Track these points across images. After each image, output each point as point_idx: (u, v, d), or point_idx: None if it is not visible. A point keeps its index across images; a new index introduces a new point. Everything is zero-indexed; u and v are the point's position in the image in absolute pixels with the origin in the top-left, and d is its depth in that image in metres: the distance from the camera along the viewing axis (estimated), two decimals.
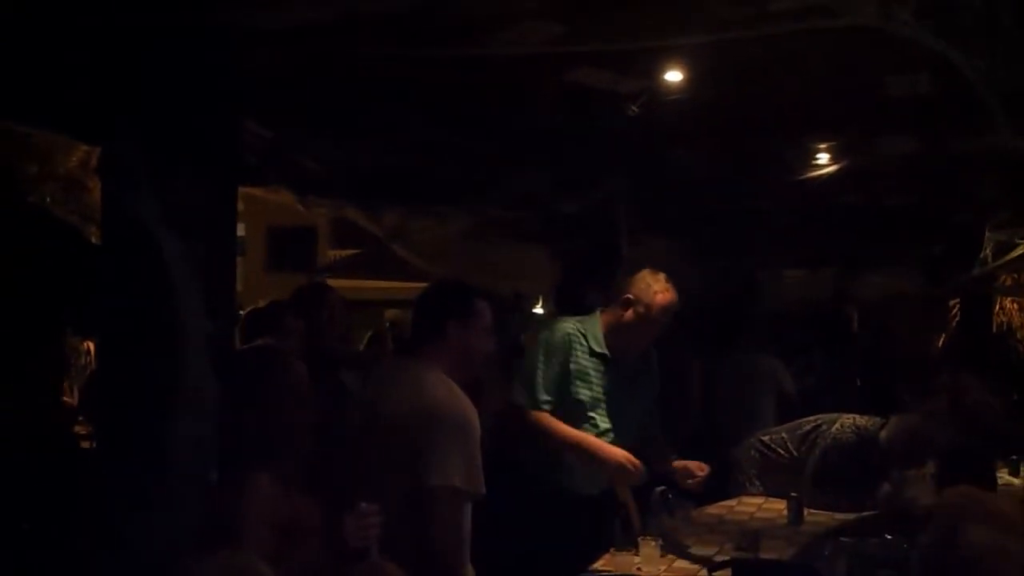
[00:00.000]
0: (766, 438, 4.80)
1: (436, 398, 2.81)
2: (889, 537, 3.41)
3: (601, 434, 3.75)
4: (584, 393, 3.74)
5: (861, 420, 4.52)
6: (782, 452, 4.68)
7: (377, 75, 3.73)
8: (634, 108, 4.05)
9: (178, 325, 2.61)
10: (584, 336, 3.77)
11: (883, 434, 4.36)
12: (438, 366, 2.90)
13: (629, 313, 3.75)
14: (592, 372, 3.76)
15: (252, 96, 3.39)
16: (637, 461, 3.54)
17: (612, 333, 3.79)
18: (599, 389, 3.76)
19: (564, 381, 3.71)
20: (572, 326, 3.80)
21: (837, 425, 4.48)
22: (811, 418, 4.70)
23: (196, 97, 2.79)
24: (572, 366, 3.73)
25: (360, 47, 3.39)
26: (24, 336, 3.17)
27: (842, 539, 3.47)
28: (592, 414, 3.75)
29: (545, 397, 3.68)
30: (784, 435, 4.73)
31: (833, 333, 7.83)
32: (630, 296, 3.76)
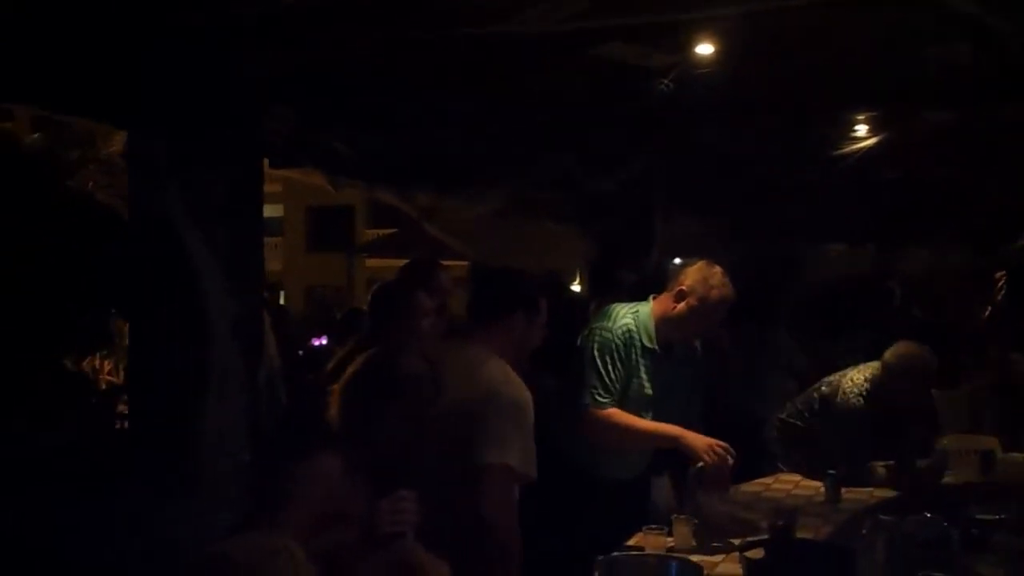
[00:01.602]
0: (783, 415, 4.76)
1: (495, 380, 2.82)
2: (929, 515, 3.35)
3: None
4: (637, 389, 3.70)
5: (860, 377, 4.46)
6: (799, 424, 4.64)
7: (404, 56, 3.71)
8: (665, 83, 3.98)
9: (204, 308, 2.63)
10: (638, 331, 3.69)
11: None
12: (493, 350, 2.91)
13: (682, 306, 3.65)
14: (645, 366, 3.70)
15: (278, 79, 3.39)
16: (725, 445, 3.43)
17: (663, 325, 3.70)
18: (649, 383, 3.71)
19: (626, 378, 3.66)
20: (629, 321, 3.71)
21: (840, 394, 4.43)
22: (817, 384, 4.66)
23: (218, 83, 2.80)
24: (632, 363, 3.67)
25: (387, 28, 3.38)
26: (65, 314, 3.23)
27: (881, 517, 3.40)
28: (637, 408, 3.71)
29: (612, 396, 3.62)
30: (798, 405, 4.69)
31: (877, 309, 7.70)
32: (684, 288, 3.65)
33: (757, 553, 2.73)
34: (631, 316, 3.72)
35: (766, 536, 3.13)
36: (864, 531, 3.31)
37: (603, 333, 3.68)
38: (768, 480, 4.43)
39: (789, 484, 4.36)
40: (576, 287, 8.13)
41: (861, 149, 5.55)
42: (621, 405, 3.64)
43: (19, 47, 2.74)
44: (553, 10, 3.31)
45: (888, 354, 4.46)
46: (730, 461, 3.43)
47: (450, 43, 3.59)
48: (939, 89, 4.51)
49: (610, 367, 3.61)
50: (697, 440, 3.46)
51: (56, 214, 4.14)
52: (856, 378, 4.50)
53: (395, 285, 3.91)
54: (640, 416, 3.67)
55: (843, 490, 4.03)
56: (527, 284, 3.14)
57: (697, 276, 3.65)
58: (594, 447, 3.69)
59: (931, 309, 8.08)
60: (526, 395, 2.84)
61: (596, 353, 3.64)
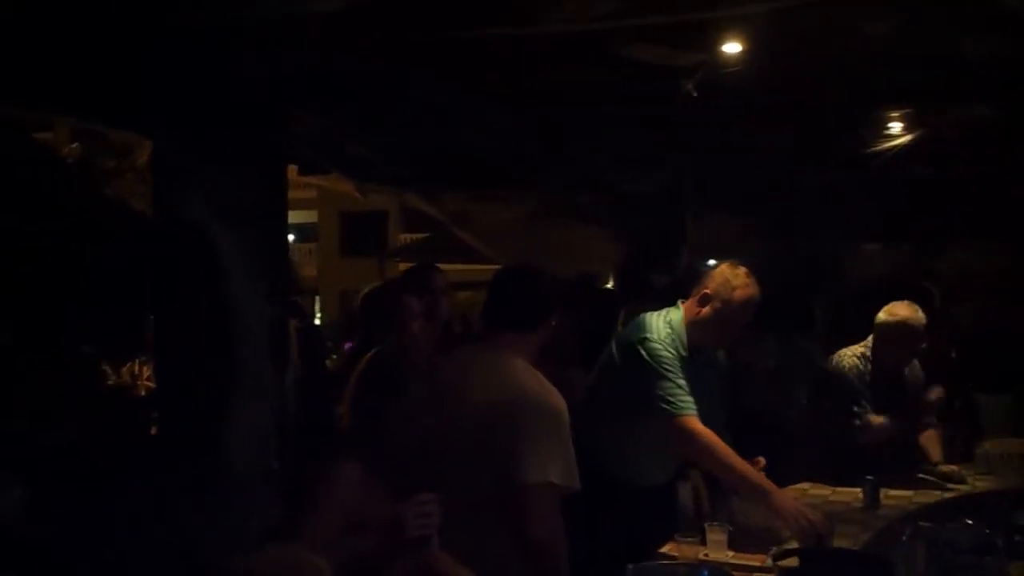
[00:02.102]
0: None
1: (528, 390, 2.74)
2: (971, 522, 3.26)
3: None
4: None
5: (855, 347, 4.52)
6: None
7: (432, 59, 3.70)
8: (689, 87, 3.92)
9: (233, 312, 2.62)
10: (674, 340, 3.61)
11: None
12: (523, 356, 2.84)
13: (707, 309, 3.57)
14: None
15: (303, 85, 3.38)
16: (817, 518, 3.20)
17: (691, 329, 3.62)
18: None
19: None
20: (669, 330, 3.62)
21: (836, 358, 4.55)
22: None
23: (240, 88, 2.79)
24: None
25: (415, 31, 3.37)
26: (101, 315, 3.25)
27: (921, 524, 3.32)
28: None
29: (693, 402, 3.48)
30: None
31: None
32: (708, 292, 3.58)
33: (792, 562, 2.66)
34: (667, 325, 3.65)
35: (801, 544, 3.06)
36: (904, 538, 3.22)
37: (654, 344, 3.57)
38: (805, 486, 4.34)
39: (826, 490, 4.27)
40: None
41: (896, 147, 5.46)
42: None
43: (50, 59, 2.76)
44: (581, 11, 3.28)
45: (880, 314, 4.50)
46: (823, 530, 3.19)
47: (478, 45, 3.57)
48: (975, 83, 4.42)
49: (677, 372, 3.50)
50: (786, 504, 3.26)
51: (92, 221, 4.18)
52: (851, 348, 4.56)
53: (384, 289, 3.90)
54: None
55: (882, 496, 3.94)
56: (547, 280, 3.04)
57: (720, 279, 3.58)
58: (623, 451, 3.64)
59: (970, 310, 7.92)
60: (561, 402, 2.78)
61: (655, 363, 3.53)
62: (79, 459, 3.65)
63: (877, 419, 4.42)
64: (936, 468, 4.42)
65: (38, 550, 2.54)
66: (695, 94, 4.04)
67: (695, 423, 3.44)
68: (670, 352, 3.54)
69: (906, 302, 4.54)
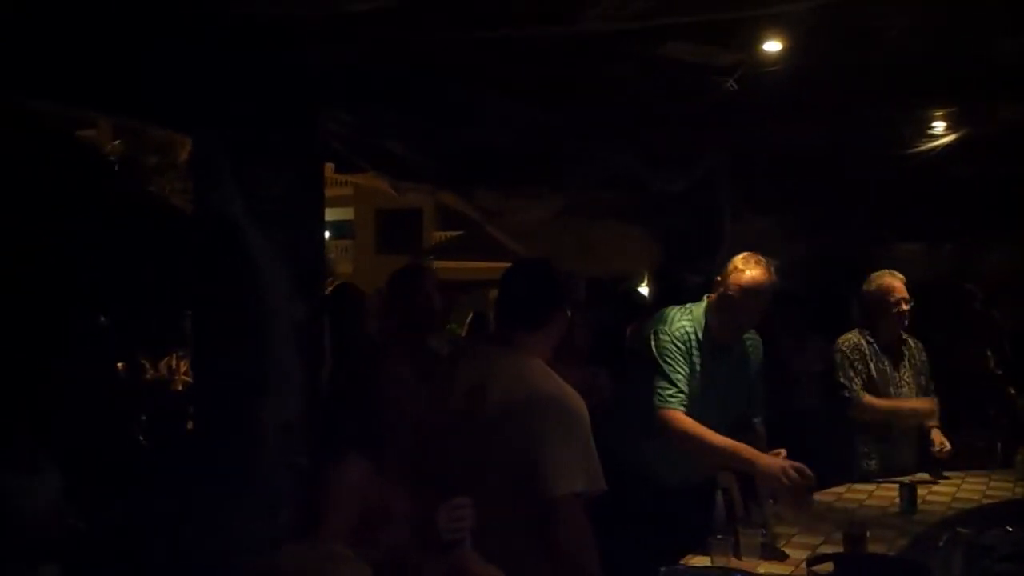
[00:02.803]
0: None
1: (549, 395, 2.71)
2: (1010, 528, 3.21)
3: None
4: (696, 386, 3.66)
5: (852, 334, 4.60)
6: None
7: (466, 58, 3.70)
8: (731, 83, 3.89)
9: (264, 311, 2.64)
10: (695, 330, 3.69)
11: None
12: (538, 355, 2.82)
13: (721, 297, 3.65)
14: (701, 362, 3.68)
15: (340, 84, 3.40)
16: (801, 466, 3.30)
17: (712, 318, 3.70)
18: (699, 380, 3.67)
19: (689, 378, 3.63)
20: (686, 322, 3.70)
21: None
22: None
23: (277, 88, 2.81)
24: (692, 363, 3.65)
25: (449, 30, 3.37)
26: (142, 310, 3.30)
27: (959, 530, 3.26)
28: (698, 404, 3.66)
29: (681, 396, 3.58)
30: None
31: (955, 312, 7.44)
32: (718, 279, 3.67)
33: (826, 567, 2.63)
34: (687, 317, 3.72)
35: (836, 549, 3.02)
36: (941, 544, 3.18)
37: (661, 336, 3.67)
38: (840, 489, 4.29)
39: (862, 494, 4.22)
40: (643, 289, 8.05)
41: (938, 146, 5.37)
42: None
43: (91, 57, 2.81)
44: (617, 9, 3.26)
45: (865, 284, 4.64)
46: (808, 481, 3.31)
47: (513, 44, 3.57)
48: (1018, 83, 4.33)
49: (675, 367, 3.60)
50: (772, 464, 3.33)
51: (136, 218, 4.24)
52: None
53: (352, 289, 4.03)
54: (690, 412, 3.62)
55: (920, 501, 3.89)
56: (557, 277, 3.01)
57: (730, 267, 3.64)
58: (652, 451, 3.64)
59: (1011, 312, 7.78)
60: (581, 404, 2.75)
61: (657, 355, 3.64)
62: (115, 451, 3.71)
63: (870, 398, 4.47)
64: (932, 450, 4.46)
65: (79, 541, 2.58)
66: (735, 87, 4.01)
67: (674, 415, 3.52)
68: (677, 344, 3.61)
69: (886, 271, 4.68)
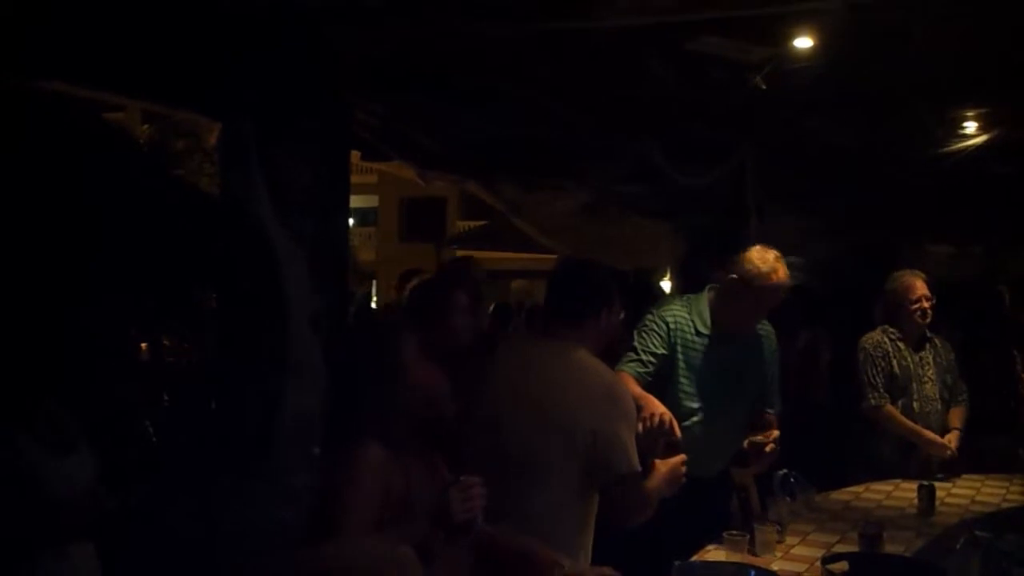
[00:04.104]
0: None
1: (608, 383, 2.86)
2: None
3: (697, 410, 3.67)
4: (686, 374, 3.68)
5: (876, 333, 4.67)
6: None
7: (494, 50, 3.70)
8: (758, 80, 3.87)
9: (283, 299, 2.66)
10: (690, 316, 3.72)
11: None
12: (587, 346, 2.91)
13: (733, 293, 3.65)
14: (695, 352, 3.70)
15: (367, 72, 3.42)
16: (663, 409, 3.29)
17: (719, 312, 3.72)
18: (701, 369, 3.69)
19: (668, 360, 3.67)
20: (679, 308, 3.76)
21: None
22: None
23: (306, 76, 2.83)
24: (677, 346, 3.68)
25: (475, 23, 3.38)
26: (168, 292, 3.34)
27: (976, 533, 3.25)
28: (691, 392, 3.68)
29: (638, 365, 3.65)
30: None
31: (981, 313, 7.37)
32: (734, 276, 3.65)
33: (842, 567, 2.63)
34: (682, 304, 3.78)
35: (851, 548, 3.02)
36: (958, 547, 3.16)
37: (646, 317, 3.77)
38: (858, 489, 4.28)
39: (880, 494, 4.21)
40: (666, 284, 8.03)
41: (970, 147, 5.32)
42: (666, 386, 3.62)
43: (120, 40, 2.84)
44: (643, 3, 3.26)
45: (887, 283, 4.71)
46: (659, 433, 3.24)
47: (539, 37, 3.57)
48: None
49: (645, 341, 3.67)
50: (651, 405, 3.30)
51: (164, 201, 4.28)
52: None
53: (431, 283, 3.95)
54: (693, 400, 3.67)
55: (938, 503, 3.87)
56: (606, 275, 3.10)
57: (748, 263, 3.64)
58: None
59: None
60: (629, 394, 2.93)
61: (636, 332, 3.74)
62: (142, 431, 3.76)
63: (893, 411, 4.53)
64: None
65: (111, 520, 2.62)
66: (764, 87, 3.99)
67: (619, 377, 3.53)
68: (658, 324, 3.68)
69: (908, 270, 4.75)
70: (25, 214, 3.31)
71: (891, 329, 4.67)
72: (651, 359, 3.65)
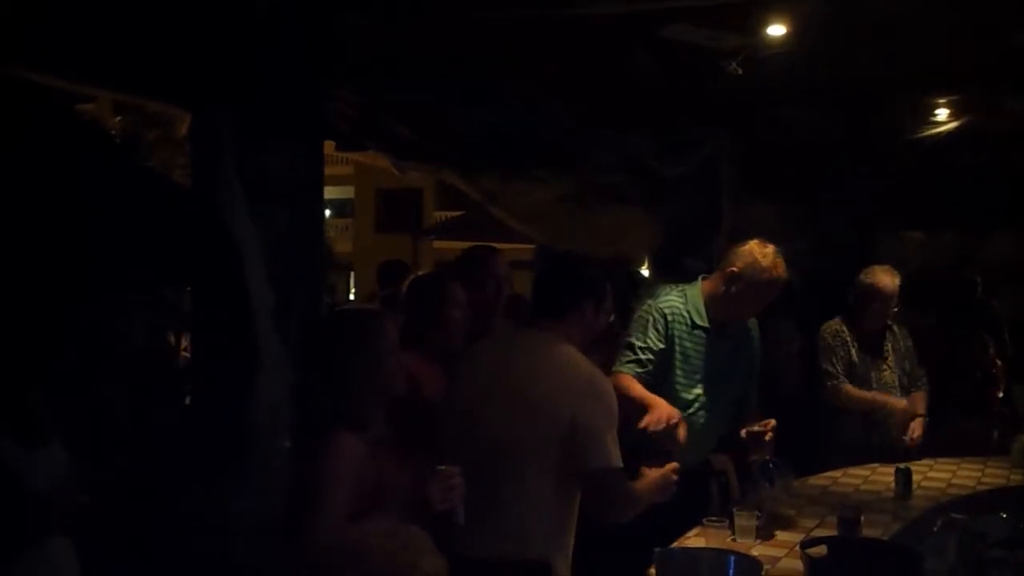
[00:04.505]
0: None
1: (590, 376, 2.81)
2: (1004, 515, 3.23)
3: (693, 401, 3.67)
4: (682, 366, 3.66)
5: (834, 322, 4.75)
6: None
7: (469, 39, 3.68)
8: (734, 65, 3.88)
9: (246, 292, 2.64)
10: (686, 307, 3.69)
11: None
12: (570, 341, 2.88)
13: (734, 288, 3.62)
14: (692, 343, 3.68)
15: (343, 61, 3.39)
16: (672, 412, 3.34)
17: (714, 304, 3.68)
18: (698, 360, 3.68)
19: (666, 353, 3.64)
20: (675, 298, 3.72)
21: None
22: None
23: (280, 66, 2.80)
24: (675, 338, 3.65)
25: (453, 10, 3.36)
26: (135, 285, 3.30)
27: (953, 516, 3.29)
28: (688, 384, 3.67)
29: (636, 362, 3.61)
30: None
31: (954, 300, 7.44)
32: (735, 269, 3.61)
33: (820, 551, 2.64)
34: (678, 295, 3.74)
35: (830, 532, 3.04)
36: (935, 530, 3.20)
37: (644, 308, 3.71)
38: (836, 474, 4.31)
39: (858, 479, 4.24)
40: (644, 272, 8.05)
41: (940, 134, 5.36)
42: (666, 379, 3.61)
43: (92, 32, 2.80)
44: None
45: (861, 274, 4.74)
46: (667, 436, 3.31)
47: (516, 25, 3.56)
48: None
49: (645, 337, 3.62)
50: (659, 406, 3.34)
51: (139, 194, 4.23)
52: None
53: (432, 277, 3.89)
54: (690, 392, 3.65)
55: (915, 486, 3.91)
56: (595, 272, 3.08)
57: (748, 258, 3.61)
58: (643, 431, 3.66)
59: (1012, 301, 7.78)
60: (612, 389, 2.87)
61: (633, 325, 3.68)
62: (115, 426, 3.72)
63: (850, 388, 4.65)
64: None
65: (86, 515, 2.59)
66: (740, 71, 3.99)
67: (622, 378, 3.53)
68: (655, 316, 3.63)
69: (885, 266, 4.78)
70: None
71: (848, 322, 4.77)
72: (650, 357, 3.59)
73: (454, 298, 3.41)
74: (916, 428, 4.59)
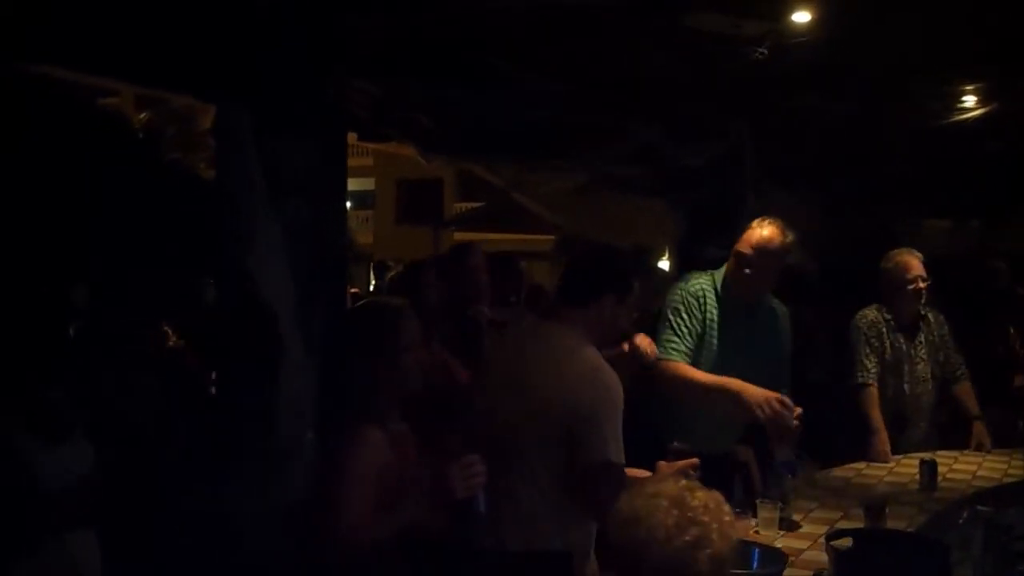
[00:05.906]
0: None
1: (596, 367, 2.78)
2: None
3: None
4: (713, 347, 3.72)
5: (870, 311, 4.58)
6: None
7: (490, 28, 3.67)
8: (760, 52, 3.84)
9: (286, 281, 2.64)
10: (714, 289, 3.78)
11: None
12: (585, 334, 2.86)
13: (736, 256, 3.72)
14: (720, 325, 3.74)
15: (363, 52, 3.38)
16: (784, 399, 3.36)
17: (730, 283, 3.77)
18: (728, 343, 3.72)
19: (700, 334, 3.71)
20: (704, 281, 3.81)
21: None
22: None
23: (302, 60, 2.80)
24: (707, 320, 3.73)
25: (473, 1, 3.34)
26: (163, 276, 3.32)
27: (979, 508, 3.26)
28: (716, 366, 3.69)
29: (683, 347, 3.67)
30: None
31: (979, 288, 7.36)
32: (741, 248, 3.71)
33: (844, 542, 2.63)
34: (707, 278, 3.81)
35: (855, 524, 3.02)
36: (960, 522, 3.17)
37: (675, 292, 3.78)
38: (860, 465, 4.28)
39: (882, 471, 4.21)
40: (664, 263, 8.02)
41: (967, 120, 5.30)
42: (695, 363, 3.65)
43: (114, 25, 2.80)
44: None
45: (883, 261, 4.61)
46: (789, 416, 3.31)
47: (535, 14, 3.54)
48: None
49: (681, 320, 3.68)
50: (756, 394, 3.39)
51: (163, 188, 4.26)
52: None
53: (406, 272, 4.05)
54: (719, 371, 3.65)
55: (940, 478, 3.87)
56: (620, 263, 3.05)
57: (752, 235, 3.69)
58: (669, 416, 3.65)
59: None
60: (619, 383, 2.82)
61: (668, 310, 3.73)
62: (135, 421, 3.74)
63: (874, 395, 4.41)
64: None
65: (109, 509, 2.61)
66: (762, 56, 3.97)
67: (675, 364, 3.60)
68: (688, 298, 3.70)
69: (905, 249, 4.64)
70: (21, 201, 3.28)
71: (885, 308, 4.64)
72: (690, 341, 3.66)
73: (426, 280, 3.50)
74: (985, 438, 4.48)
